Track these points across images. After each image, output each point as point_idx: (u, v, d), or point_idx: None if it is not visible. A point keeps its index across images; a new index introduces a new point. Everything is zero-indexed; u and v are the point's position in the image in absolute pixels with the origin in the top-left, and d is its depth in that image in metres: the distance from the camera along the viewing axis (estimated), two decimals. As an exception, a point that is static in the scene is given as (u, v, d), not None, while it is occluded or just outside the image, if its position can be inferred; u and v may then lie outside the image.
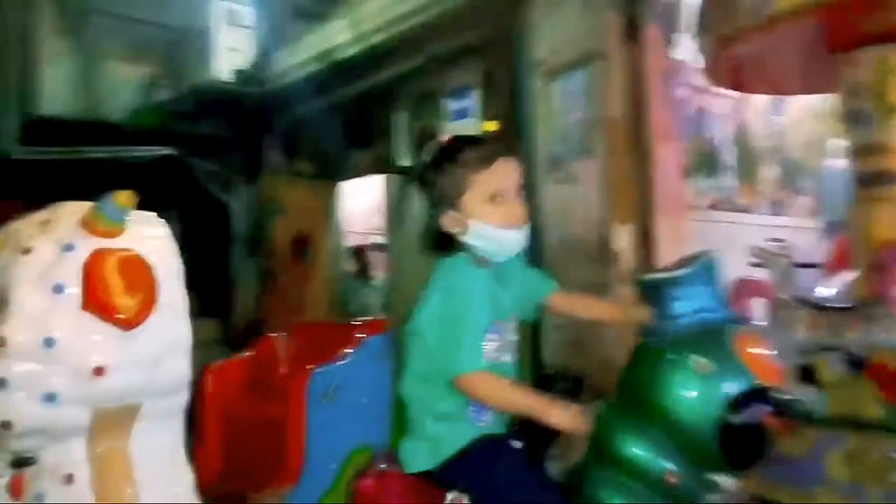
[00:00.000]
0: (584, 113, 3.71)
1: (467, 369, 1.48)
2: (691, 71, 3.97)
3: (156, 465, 1.24)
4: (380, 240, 7.05)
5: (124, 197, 1.21)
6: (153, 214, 1.34)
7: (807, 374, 2.02)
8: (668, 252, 3.36)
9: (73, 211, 1.25)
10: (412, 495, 1.51)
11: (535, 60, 3.95)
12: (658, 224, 3.53)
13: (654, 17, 3.69)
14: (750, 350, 1.54)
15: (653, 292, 1.65)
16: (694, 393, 1.50)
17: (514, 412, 1.57)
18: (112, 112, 6.49)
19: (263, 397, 2.04)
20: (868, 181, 2.39)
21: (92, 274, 1.17)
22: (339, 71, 5.62)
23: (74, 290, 1.17)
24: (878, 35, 2.34)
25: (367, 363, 1.91)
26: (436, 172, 1.58)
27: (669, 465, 1.52)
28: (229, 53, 6.34)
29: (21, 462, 1.18)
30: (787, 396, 1.54)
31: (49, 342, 1.15)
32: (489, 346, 1.55)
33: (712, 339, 1.55)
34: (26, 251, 1.19)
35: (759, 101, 4.63)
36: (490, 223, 1.54)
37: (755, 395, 1.48)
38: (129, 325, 1.18)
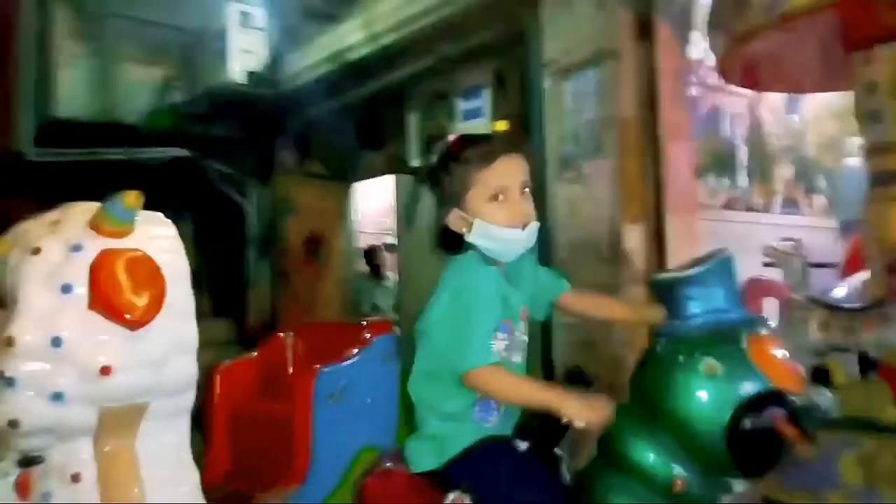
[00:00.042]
0: (595, 112, 3.69)
1: (477, 364, 1.46)
2: (705, 69, 3.94)
3: (162, 465, 1.25)
4: (392, 240, 7.07)
5: (132, 197, 1.22)
6: (160, 215, 1.35)
7: (820, 376, 1.99)
8: (679, 252, 3.34)
9: (81, 211, 1.26)
10: (418, 495, 1.51)
11: (546, 60, 3.94)
12: (670, 224, 3.51)
13: (667, 15, 3.66)
14: (765, 352, 1.51)
15: (666, 292, 1.63)
16: (703, 395, 1.48)
17: (527, 406, 1.55)
18: (127, 114, 6.55)
19: (271, 397, 2.04)
20: (883, 180, 2.35)
21: (99, 274, 1.18)
22: (351, 72, 5.63)
23: (82, 290, 1.18)
24: (894, 32, 2.30)
25: (374, 363, 1.91)
26: (442, 171, 1.58)
27: (678, 470, 1.50)
28: (243, 55, 6.38)
29: (28, 461, 1.19)
30: (804, 401, 1.50)
31: (56, 342, 1.16)
32: (499, 345, 1.54)
33: (726, 340, 1.53)
34: (35, 251, 1.21)
35: (774, 99, 4.59)
36: (493, 222, 1.53)
37: (769, 398, 1.46)
38: (136, 325, 1.19)
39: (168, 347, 1.25)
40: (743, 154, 4.49)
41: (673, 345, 1.58)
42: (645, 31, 3.62)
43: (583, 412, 1.42)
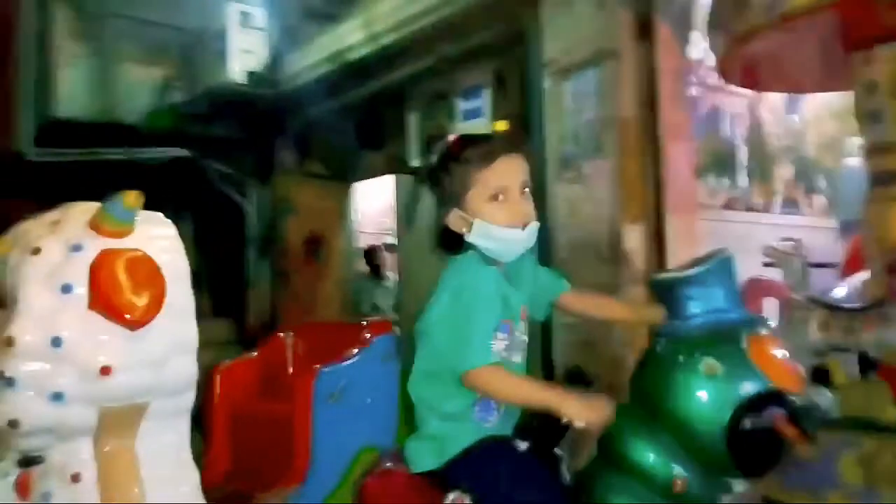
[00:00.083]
0: (595, 112, 3.69)
1: (477, 364, 1.46)
2: (705, 69, 3.94)
3: (162, 465, 1.25)
4: (392, 240, 7.07)
5: (132, 197, 1.22)
6: (160, 215, 1.35)
7: (820, 376, 1.99)
8: (679, 252, 3.34)
9: (81, 211, 1.26)
10: (418, 495, 1.51)
11: (546, 60, 3.94)
12: (670, 224, 3.51)
13: (667, 15, 3.66)
14: (765, 352, 1.51)
15: (666, 292, 1.63)
16: (703, 395, 1.48)
17: (527, 406, 1.55)
18: (127, 114, 6.56)
19: (271, 397, 2.04)
20: (883, 180, 2.35)
21: (99, 274, 1.18)
22: (351, 72, 5.64)
23: (82, 290, 1.18)
24: (894, 32, 2.30)
25: (374, 363, 1.91)
26: (442, 171, 1.58)
27: (678, 470, 1.50)
28: (243, 55, 6.38)
29: (28, 461, 1.19)
30: (804, 401, 1.50)
31: (56, 342, 1.16)
32: (499, 345, 1.54)
33: (726, 340, 1.53)
34: (35, 251, 1.21)
35: (774, 99, 4.59)
36: (493, 222, 1.53)
37: (769, 398, 1.46)
38: (135, 325, 1.19)
39: (168, 347, 1.25)
40: (743, 154, 4.49)
41: (673, 345, 1.58)
42: (645, 31, 3.62)
43: (583, 412, 1.41)
